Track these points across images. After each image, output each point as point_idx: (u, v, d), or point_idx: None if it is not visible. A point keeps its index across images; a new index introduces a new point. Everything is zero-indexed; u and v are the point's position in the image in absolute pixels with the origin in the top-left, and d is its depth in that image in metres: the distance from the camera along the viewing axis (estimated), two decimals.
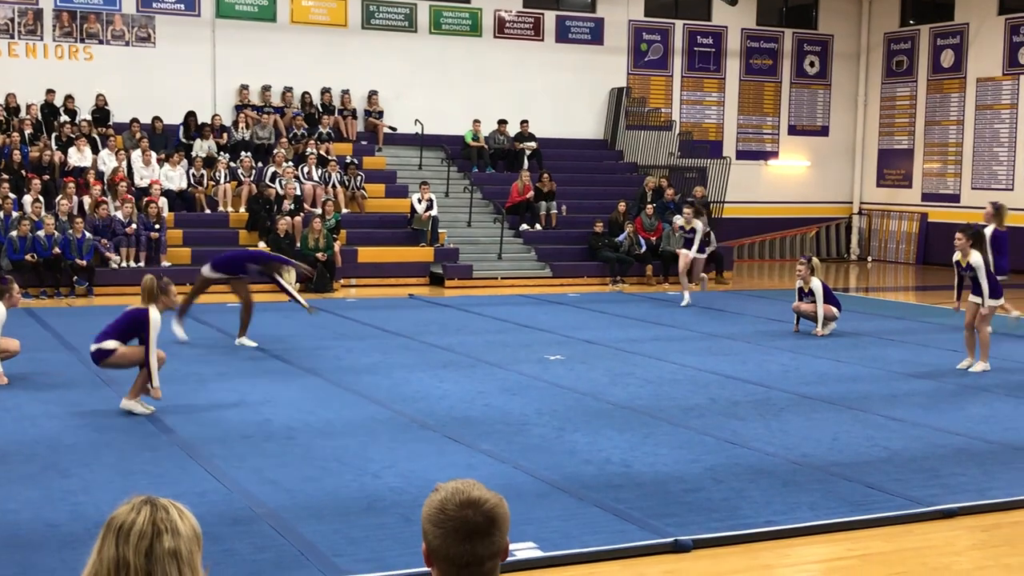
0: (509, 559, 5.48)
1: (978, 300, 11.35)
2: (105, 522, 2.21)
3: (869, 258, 26.20)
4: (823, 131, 26.65)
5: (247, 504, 6.51)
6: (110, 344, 8.82)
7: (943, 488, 7.10)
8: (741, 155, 25.48)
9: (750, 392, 10.16)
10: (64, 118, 19.83)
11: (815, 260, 14.22)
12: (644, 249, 20.44)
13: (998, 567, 5.86)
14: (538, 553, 5.75)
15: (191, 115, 20.58)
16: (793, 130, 26.42)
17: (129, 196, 18.09)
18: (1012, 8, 23.42)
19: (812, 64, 26.42)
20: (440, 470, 7.16)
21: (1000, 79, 23.67)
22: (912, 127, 25.66)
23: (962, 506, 6.72)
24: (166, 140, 20.30)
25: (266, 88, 21.73)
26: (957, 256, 11.46)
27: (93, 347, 8.89)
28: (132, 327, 8.84)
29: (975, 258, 11.21)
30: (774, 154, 26.25)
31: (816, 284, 13.80)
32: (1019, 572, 5.78)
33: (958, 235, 11.45)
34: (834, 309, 13.87)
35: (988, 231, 12.66)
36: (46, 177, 18.39)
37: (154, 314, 8.77)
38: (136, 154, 19.36)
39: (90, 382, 10.09)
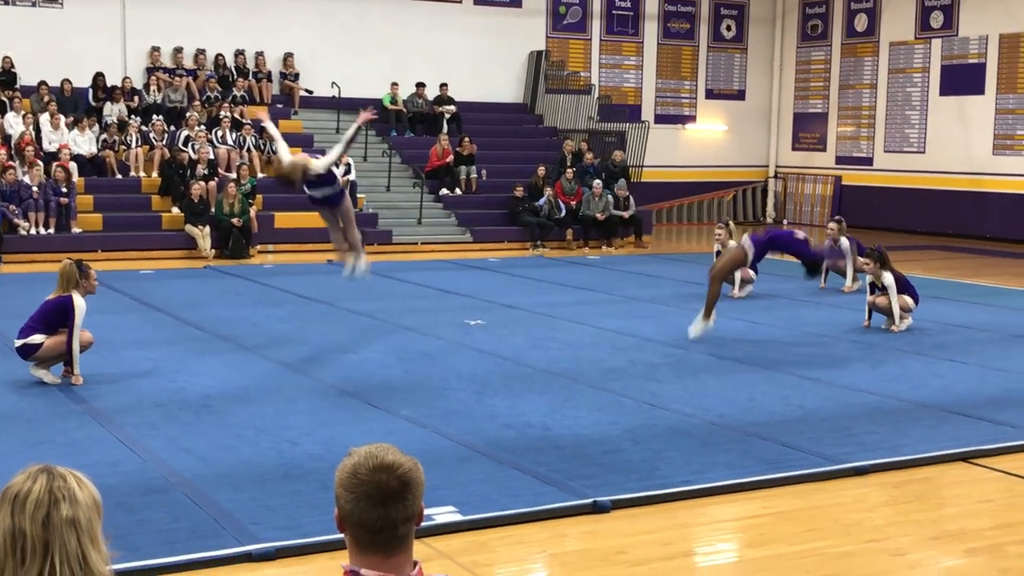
0: (429, 523, 5.51)
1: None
2: (0, 492, 2.13)
3: (784, 221, 26.54)
4: (740, 95, 26.87)
5: (161, 473, 6.40)
6: (37, 338, 8.56)
7: (856, 446, 7.23)
8: (659, 119, 25.58)
9: (668, 354, 10.24)
10: None
11: (732, 224, 14.38)
12: (564, 213, 20.46)
13: (908, 522, 5.98)
14: (458, 517, 5.74)
15: (99, 76, 20.07)
16: (710, 94, 26.58)
17: (37, 160, 17.62)
18: None
19: (729, 28, 26.58)
20: (359, 436, 7.10)
21: (912, 43, 24.04)
22: (826, 91, 25.97)
23: (874, 463, 6.85)
24: (75, 103, 19.80)
25: (178, 50, 21.27)
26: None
27: (18, 342, 8.61)
28: (58, 316, 8.60)
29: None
30: (692, 118, 26.41)
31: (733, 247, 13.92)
32: (928, 527, 5.91)
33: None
34: (751, 272, 14.03)
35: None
36: None
37: (79, 300, 8.54)
38: (44, 118, 18.84)
39: None
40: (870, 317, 11.89)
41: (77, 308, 8.51)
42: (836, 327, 11.88)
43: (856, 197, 24.80)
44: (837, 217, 15.46)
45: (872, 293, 11.85)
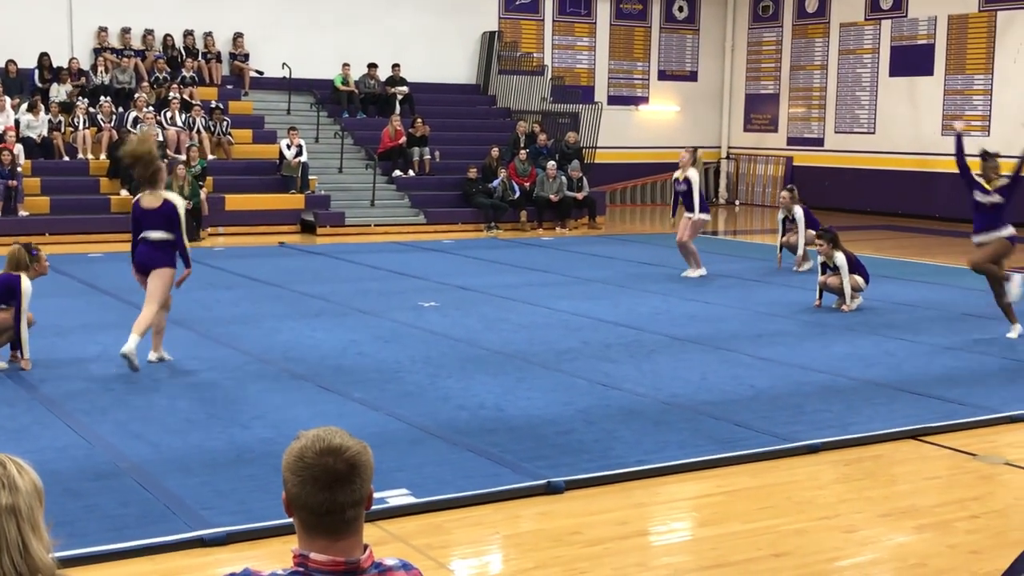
0: (382, 506, 5.48)
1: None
2: None
3: (737, 202, 26.69)
4: (692, 76, 26.93)
5: (110, 458, 6.32)
6: None
7: (807, 424, 7.29)
8: (612, 100, 25.60)
9: (622, 335, 10.26)
10: None
11: (699, 152, 14.60)
12: (518, 195, 20.43)
13: (860, 499, 6.04)
14: (411, 499, 5.71)
15: (44, 56, 19.75)
16: (663, 75, 26.62)
17: None
18: None
19: (681, 9, 26.62)
20: (311, 419, 7.05)
21: (862, 24, 24.20)
22: (778, 72, 26.10)
23: (825, 441, 6.91)
24: (21, 84, 19.47)
25: (126, 30, 20.96)
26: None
27: None
28: (3, 294, 8.44)
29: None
30: (644, 99, 26.44)
31: (692, 174, 14.09)
32: (880, 504, 5.96)
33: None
34: (705, 217, 14.24)
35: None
36: None
37: (26, 283, 8.40)
38: None
39: None
40: (821, 297, 11.98)
41: (24, 291, 8.37)
42: (787, 307, 11.96)
43: (807, 178, 24.95)
44: (789, 186, 15.58)
45: (823, 273, 11.95)
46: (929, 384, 8.48)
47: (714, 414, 7.49)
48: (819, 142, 25.16)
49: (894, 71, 23.61)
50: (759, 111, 26.56)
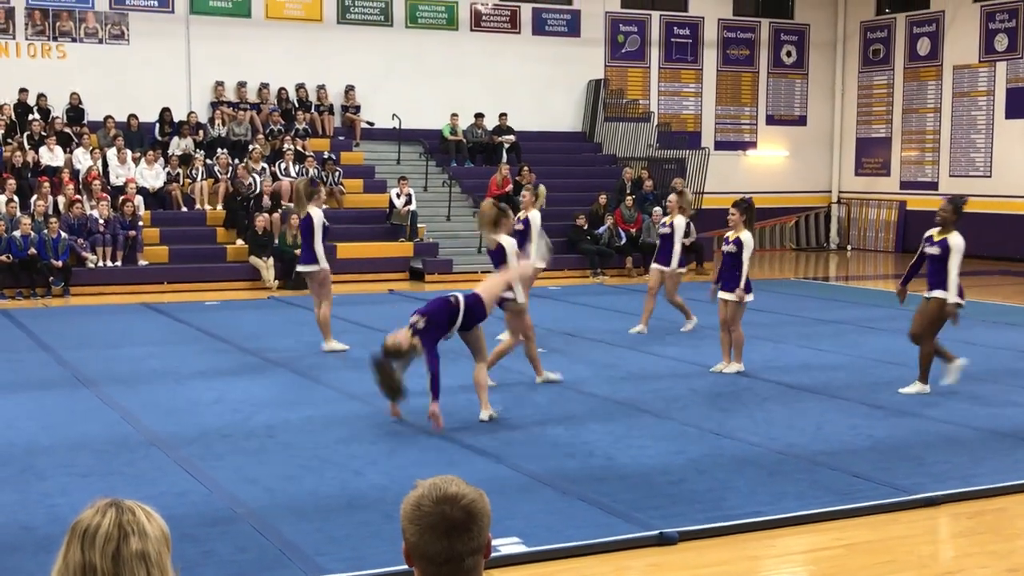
0: (494, 554, 5.45)
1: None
2: (70, 526, 2.14)
3: (848, 247, 26.24)
4: (801, 121, 26.66)
5: (227, 504, 6.42)
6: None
7: (928, 476, 7.08)
8: (720, 145, 25.47)
9: (733, 382, 10.12)
10: (35, 116, 19.62)
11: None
12: (624, 241, 20.40)
13: (983, 554, 5.83)
14: (523, 548, 5.69)
15: (166, 111, 20.44)
16: (771, 120, 26.42)
17: (104, 195, 17.92)
18: None
19: (789, 54, 26.42)
20: (422, 466, 7.09)
21: (976, 66, 23.72)
22: (889, 115, 25.69)
23: (946, 494, 6.70)
24: (141, 138, 20.14)
25: (242, 84, 21.58)
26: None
27: None
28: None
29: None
30: (752, 144, 26.25)
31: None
32: (1004, 559, 5.75)
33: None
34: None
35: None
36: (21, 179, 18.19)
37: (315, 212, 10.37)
38: (111, 152, 19.19)
39: (67, 383, 9.97)
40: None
41: (316, 222, 11.26)
42: (903, 354, 11.64)
43: (921, 222, 24.33)
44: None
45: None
46: None
47: (831, 464, 7.32)
48: (933, 186, 24.63)
49: (1010, 113, 23.06)
50: (871, 155, 26.15)
